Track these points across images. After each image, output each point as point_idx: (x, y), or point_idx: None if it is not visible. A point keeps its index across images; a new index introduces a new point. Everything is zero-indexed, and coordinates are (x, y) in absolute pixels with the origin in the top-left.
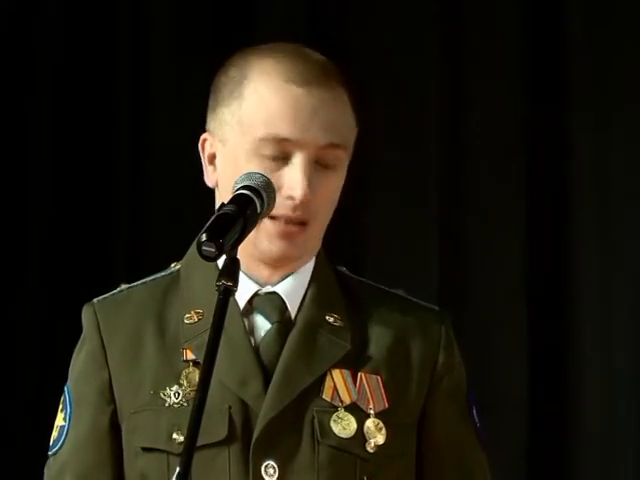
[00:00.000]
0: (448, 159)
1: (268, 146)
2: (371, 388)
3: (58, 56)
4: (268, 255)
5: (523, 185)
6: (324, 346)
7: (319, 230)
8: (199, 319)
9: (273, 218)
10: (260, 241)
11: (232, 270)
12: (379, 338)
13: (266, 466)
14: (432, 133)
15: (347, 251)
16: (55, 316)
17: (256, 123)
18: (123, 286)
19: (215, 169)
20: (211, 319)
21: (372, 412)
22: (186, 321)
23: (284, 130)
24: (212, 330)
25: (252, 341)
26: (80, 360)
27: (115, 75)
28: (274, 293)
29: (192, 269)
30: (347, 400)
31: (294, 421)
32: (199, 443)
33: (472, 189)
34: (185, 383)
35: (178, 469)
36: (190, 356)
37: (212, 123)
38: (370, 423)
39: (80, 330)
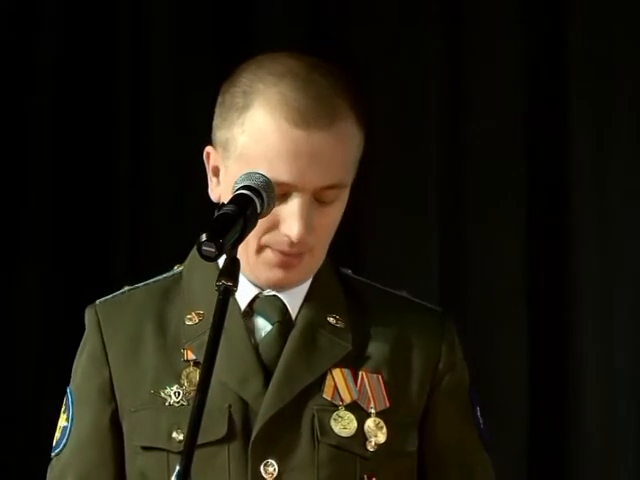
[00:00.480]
0: (448, 159)
1: None
2: (372, 387)
3: (58, 56)
4: (266, 283)
5: (523, 185)
6: (325, 346)
7: (319, 256)
8: (200, 320)
9: (272, 249)
10: (259, 270)
11: (232, 270)
12: (381, 338)
13: (265, 464)
14: (432, 133)
15: (347, 251)
16: (56, 317)
17: (256, 158)
18: (126, 288)
19: (219, 183)
20: (211, 319)
21: (373, 411)
22: (187, 322)
23: (282, 174)
24: (212, 330)
25: (252, 341)
26: (82, 361)
27: (115, 75)
28: (275, 296)
29: (193, 270)
30: (348, 399)
31: (294, 420)
32: (199, 442)
33: (472, 189)
34: (185, 383)
35: (178, 468)
36: (191, 356)
37: (217, 140)
38: (371, 422)
39: (81, 330)
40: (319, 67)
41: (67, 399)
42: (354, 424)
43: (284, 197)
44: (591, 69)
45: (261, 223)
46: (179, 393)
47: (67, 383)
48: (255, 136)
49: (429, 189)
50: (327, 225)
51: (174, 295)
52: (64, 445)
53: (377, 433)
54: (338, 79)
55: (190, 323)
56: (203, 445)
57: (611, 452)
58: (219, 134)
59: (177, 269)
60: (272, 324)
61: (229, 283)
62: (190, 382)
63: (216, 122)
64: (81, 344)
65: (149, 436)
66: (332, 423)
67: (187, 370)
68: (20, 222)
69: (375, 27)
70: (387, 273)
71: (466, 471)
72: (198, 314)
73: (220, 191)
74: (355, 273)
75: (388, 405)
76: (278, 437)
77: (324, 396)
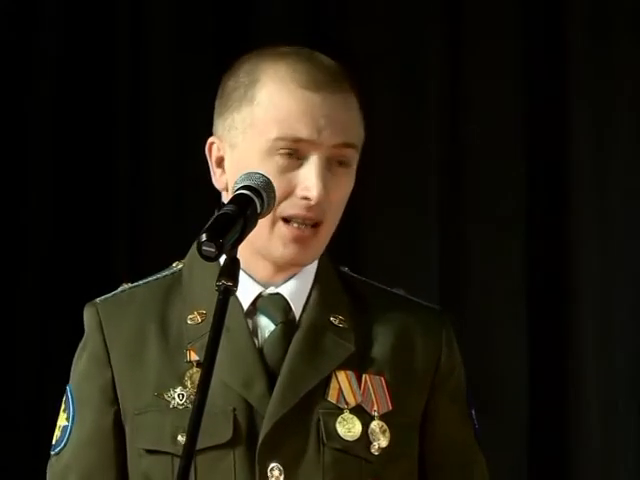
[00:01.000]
0: (448, 159)
1: (283, 146)
2: (375, 390)
3: (58, 56)
4: (281, 260)
5: (523, 185)
6: (328, 347)
7: (329, 232)
8: (202, 320)
9: (286, 221)
10: (274, 246)
11: (232, 270)
12: (383, 339)
13: (272, 468)
14: (432, 133)
15: (347, 251)
16: (55, 316)
17: (270, 125)
18: (125, 286)
19: (224, 172)
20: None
21: (376, 414)
22: (189, 322)
23: (299, 131)
24: (212, 330)
25: (256, 342)
26: (83, 360)
27: (115, 75)
28: (278, 294)
29: (194, 269)
30: (352, 402)
31: (299, 423)
32: (204, 445)
33: (472, 189)
34: (189, 384)
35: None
36: (194, 357)
37: (220, 127)
38: (374, 425)
39: (81, 330)
40: (320, 53)
41: (67, 398)
42: (359, 427)
43: (299, 160)
44: (591, 69)
45: (277, 192)
46: (183, 395)
47: (67, 382)
48: (268, 103)
49: (429, 189)
50: (339, 197)
51: (175, 294)
52: (64, 445)
53: (380, 437)
54: (339, 65)
55: (192, 323)
56: (209, 448)
57: (611, 452)
58: (221, 121)
59: (176, 267)
60: (276, 324)
61: (229, 283)
62: (193, 384)
63: (218, 111)
64: (81, 343)
65: (154, 439)
66: (337, 427)
67: (190, 371)
68: (20, 222)
69: (375, 27)
70: (387, 272)
71: (467, 471)
72: (200, 314)
73: (227, 179)
74: (355, 272)
75: (391, 408)
76: (284, 441)
77: (329, 399)
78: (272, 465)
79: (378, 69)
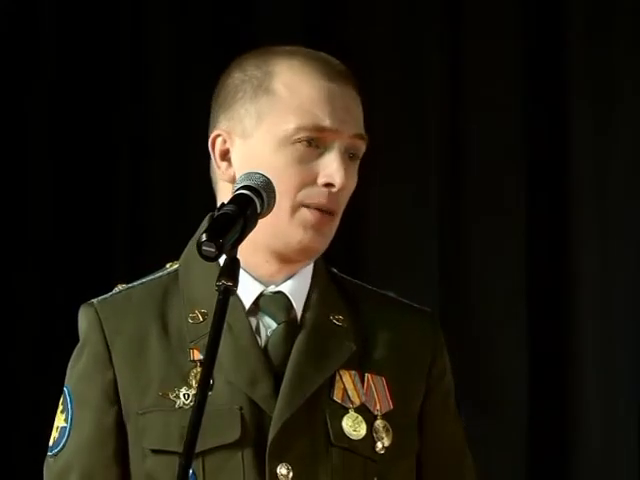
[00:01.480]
0: (448, 159)
1: (304, 134)
2: (377, 389)
3: (58, 56)
4: (298, 245)
5: (523, 185)
6: (332, 347)
7: (337, 224)
8: (204, 319)
9: (308, 207)
10: (295, 231)
11: (232, 270)
12: (380, 339)
13: (280, 468)
14: (432, 133)
15: (347, 251)
16: (55, 316)
17: (291, 114)
18: (120, 287)
19: (230, 165)
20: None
21: (379, 413)
22: (190, 320)
23: (323, 120)
24: (212, 330)
25: (258, 340)
26: (82, 360)
27: (115, 75)
28: (280, 292)
29: (191, 269)
30: (357, 401)
31: (307, 423)
32: (212, 445)
33: (472, 189)
34: (194, 383)
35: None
36: (197, 356)
37: (225, 121)
38: (378, 424)
39: None
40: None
41: (65, 399)
42: (364, 427)
43: (318, 150)
44: (591, 69)
45: (296, 180)
46: (188, 395)
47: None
48: (288, 94)
49: (429, 189)
50: (351, 185)
51: (173, 294)
52: (63, 446)
53: (383, 436)
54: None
55: (193, 321)
56: (217, 448)
57: (611, 452)
58: (228, 114)
59: (171, 267)
60: (278, 323)
61: (229, 283)
62: (198, 383)
63: (221, 105)
64: (80, 343)
65: (160, 439)
66: (344, 426)
67: (194, 371)
68: (20, 222)
69: (375, 27)
70: (387, 273)
71: (464, 470)
72: (202, 313)
73: (234, 171)
74: (356, 273)
75: (392, 407)
76: (292, 441)
77: (334, 398)
78: (281, 465)
79: (378, 69)
